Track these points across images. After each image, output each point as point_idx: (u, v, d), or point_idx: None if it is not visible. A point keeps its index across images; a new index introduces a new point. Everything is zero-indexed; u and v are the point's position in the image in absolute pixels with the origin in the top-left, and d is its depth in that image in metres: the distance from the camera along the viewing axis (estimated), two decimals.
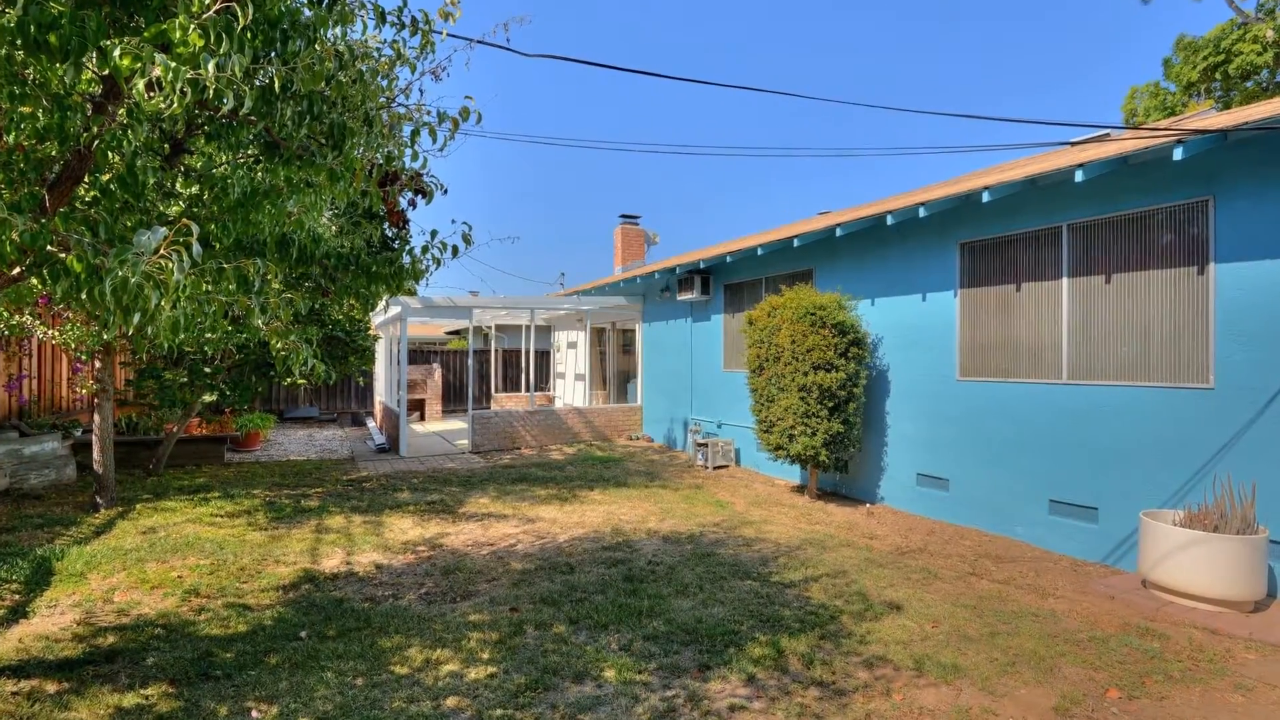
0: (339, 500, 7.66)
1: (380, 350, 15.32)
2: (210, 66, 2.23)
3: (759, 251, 9.08)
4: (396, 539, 6.10)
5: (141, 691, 3.28)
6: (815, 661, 3.66)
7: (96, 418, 7.04)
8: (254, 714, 3.11)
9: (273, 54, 2.68)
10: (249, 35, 2.45)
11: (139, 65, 2.18)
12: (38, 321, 7.31)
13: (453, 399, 19.44)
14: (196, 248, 2.20)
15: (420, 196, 4.11)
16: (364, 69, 3.09)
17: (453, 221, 4.27)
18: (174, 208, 4.03)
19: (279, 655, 3.68)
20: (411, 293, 5.32)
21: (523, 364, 19.16)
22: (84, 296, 2.29)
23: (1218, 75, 19.18)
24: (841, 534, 6.38)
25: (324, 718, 3.07)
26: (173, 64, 2.17)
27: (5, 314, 6.20)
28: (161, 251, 2.13)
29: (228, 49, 2.28)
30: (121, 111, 2.71)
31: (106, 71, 2.24)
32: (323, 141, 3.10)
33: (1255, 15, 18.33)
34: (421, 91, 4.47)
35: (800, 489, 8.55)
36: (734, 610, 4.36)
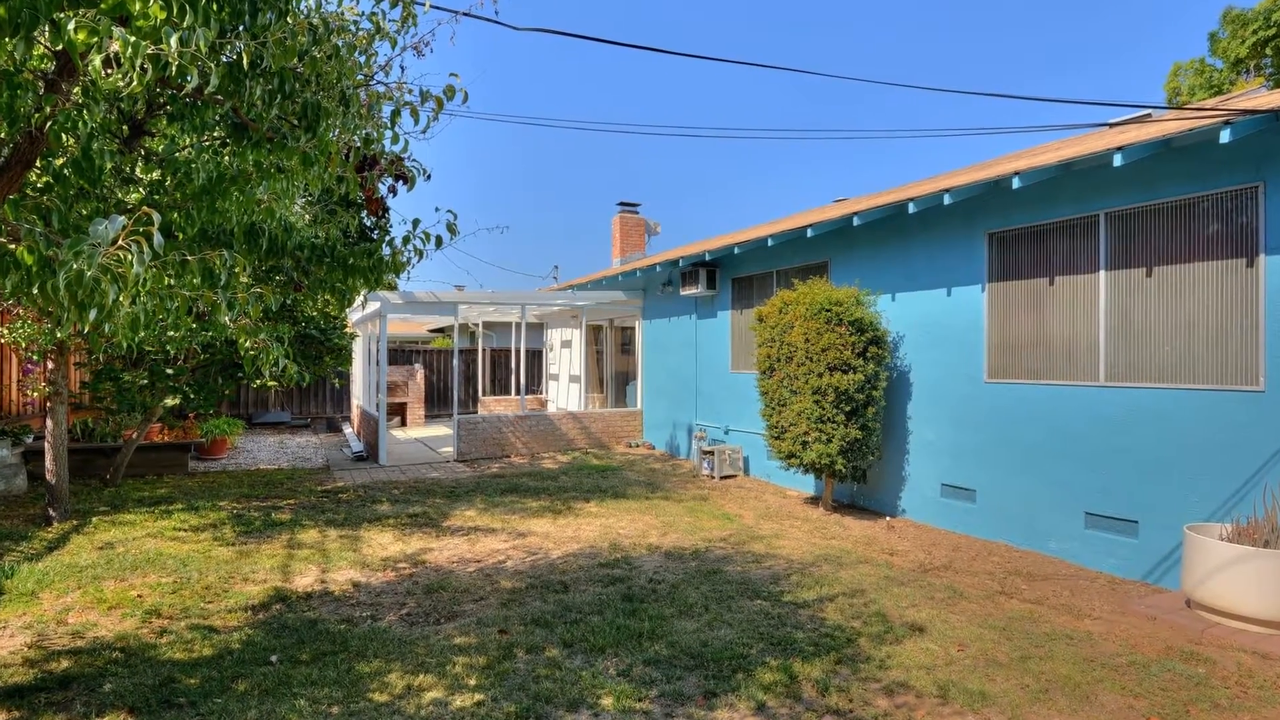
0: (313, 513, 7.66)
1: (358, 350, 15.32)
2: (173, 41, 2.23)
3: (769, 242, 9.09)
4: (375, 555, 6.10)
5: None
6: (831, 688, 3.66)
7: (49, 423, 7.04)
8: None
9: (241, 27, 2.69)
10: (214, 7, 2.45)
11: (95, 40, 2.18)
12: None
13: (436, 403, 19.45)
14: (158, 238, 2.20)
15: (401, 182, 4.11)
16: (340, 44, 3.09)
17: (436, 210, 4.28)
18: (133, 195, 4.04)
19: (247, 681, 3.68)
20: (392, 287, 5.32)
21: (513, 365, 19.17)
22: (35, 291, 2.30)
23: (1268, 50, 19.19)
24: (859, 549, 6.39)
25: None
26: (132, 38, 2.17)
27: None
28: (120, 242, 2.13)
29: (191, 22, 2.28)
30: (76, 90, 2.71)
31: (60, 47, 2.24)
32: (295, 123, 3.11)
33: None
34: (403, 68, 4.47)
35: (814, 500, 8.55)
36: (742, 632, 4.37)
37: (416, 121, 3.51)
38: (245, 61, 2.67)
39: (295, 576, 5.49)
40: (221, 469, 10.69)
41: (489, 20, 4.15)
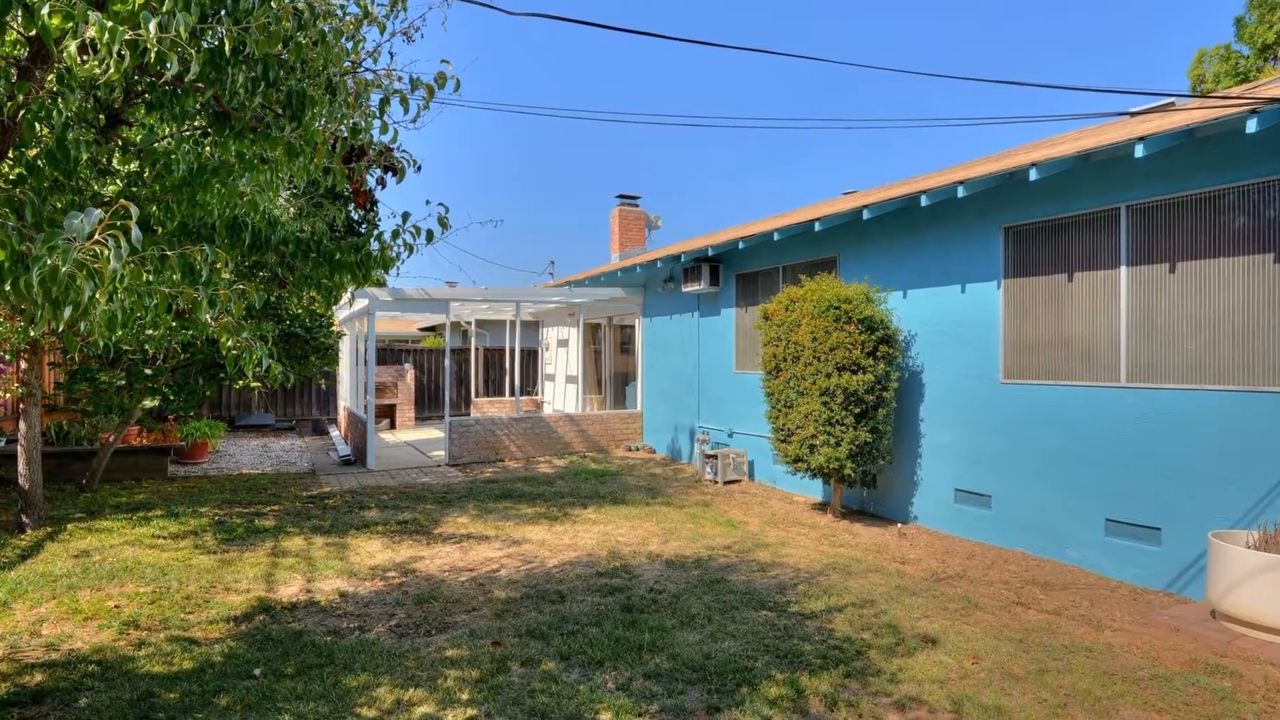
0: (298, 519, 7.66)
1: (345, 349, 15.32)
2: (151, 26, 2.23)
3: (775, 237, 9.09)
4: (363, 563, 6.10)
5: None
6: (839, 703, 3.66)
7: (22, 425, 7.04)
8: None
9: (222, 12, 2.68)
10: None
11: (70, 25, 2.19)
12: None
13: (427, 404, 19.45)
14: (136, 232, 2.20)
15: (390, 174, 4.12)
16: (326, 29, 3.09)
17: (427, 203, 4.28)
18: (110, 187, 4.03)
19: (229, 696, 3.68)
20: (380, 283, 5.33)
21: (507, 364, 19.17)
22: (8, 288, 2.29)
23: None
24: (869, 558, 6.39)
25: None
26: (109, 23, 2.17)
27: None
28: (96, 237, 2.13)
29: (171, 7, 2.28)
30: (51, 78, 2.71)
31: (34, 32, 2.24)
32: (279, 112, 3.10)
33: None
34: (392, 55, 4.49)
35: (822, 506, 8.55)
36: (747, 644, 4.37)
37: (406, 110, 3.51)
38: (227, 48, 2.67)
39: (279, 586, 5.49)
40: (202, 473, 10.68)
41: (483, 4, 4.15)
